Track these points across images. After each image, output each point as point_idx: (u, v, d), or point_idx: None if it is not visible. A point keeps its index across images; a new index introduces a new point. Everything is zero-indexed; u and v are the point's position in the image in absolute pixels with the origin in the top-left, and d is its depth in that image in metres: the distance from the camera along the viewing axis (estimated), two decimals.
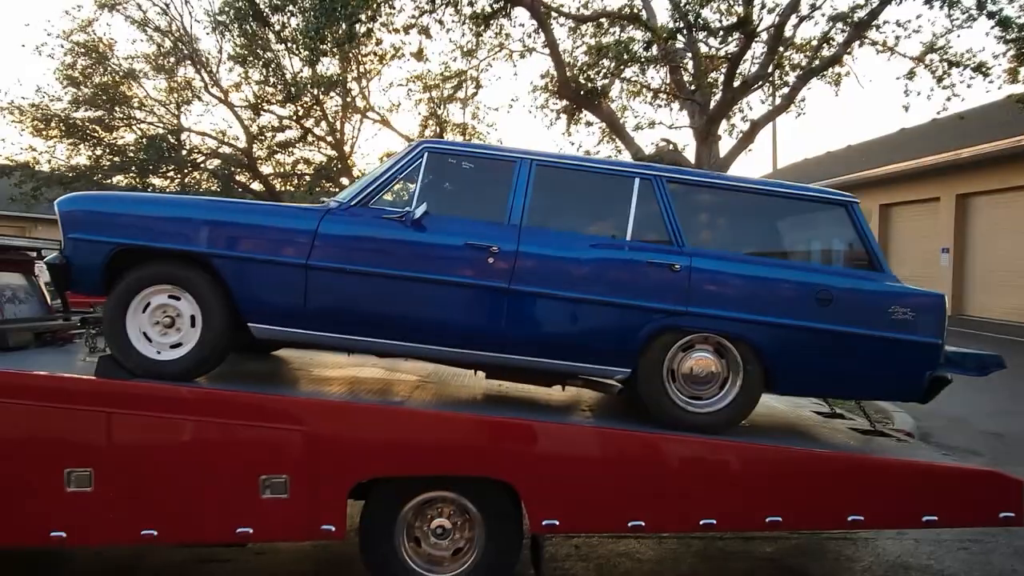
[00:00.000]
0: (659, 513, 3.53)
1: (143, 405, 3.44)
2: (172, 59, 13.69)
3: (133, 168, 13.82)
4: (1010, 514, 3.57)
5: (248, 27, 12.49)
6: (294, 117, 13.87)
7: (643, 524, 3.49)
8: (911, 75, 10.79)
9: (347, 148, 15.27)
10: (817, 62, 9.52)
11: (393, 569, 3.52)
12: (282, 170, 14.70)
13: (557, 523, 3.46)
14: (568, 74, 9.01)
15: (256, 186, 14.71)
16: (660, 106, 11.13)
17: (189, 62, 13.63)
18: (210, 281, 3.70)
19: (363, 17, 7.94)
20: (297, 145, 14.53)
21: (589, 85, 8.88)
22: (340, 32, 8.04)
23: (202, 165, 14.50)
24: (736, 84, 8.71)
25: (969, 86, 11.59)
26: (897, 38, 10.81)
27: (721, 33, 8.21)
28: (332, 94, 12.74)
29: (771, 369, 3.81)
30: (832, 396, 4.25)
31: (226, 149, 14.81)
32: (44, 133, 13.77)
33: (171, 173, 14.08)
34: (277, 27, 12.12)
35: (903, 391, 3.95)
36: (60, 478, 3.35)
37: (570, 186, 4.01)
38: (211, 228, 3.72)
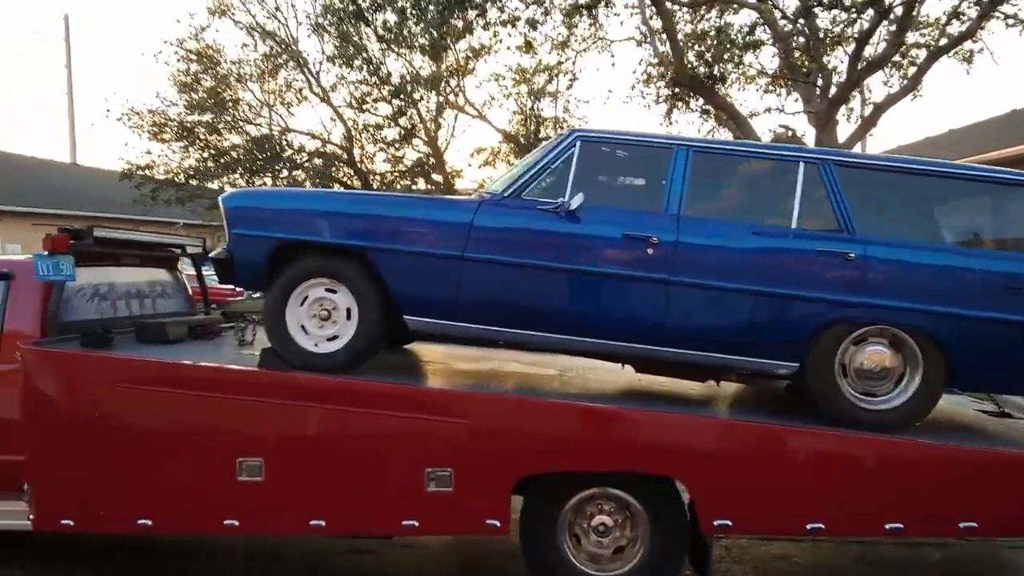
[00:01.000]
0: (841, 516, 3.33)
1: (318, 397, 3.49)
2: (279, 60, 14.10)
3: (240, 168, 14.35)
4: None
5: (347, 27, 12.74)
6: (392, 115, 14.09)
7: (822, 527, 3.30)
8: None
9: (441, 144, 15.41)
10: (945, 40, 8.91)
11: (554, 565, 3.46)
12: (391, 166, 14.96)
13: (730, 523, 3.32)
14: (684, 60, 8.70)
15: (356, 183, 15.03)
16: (772, 91, 10.70)
17: (293, 63, 14.02)
18: (366, 274, 3.72)
19: (488, 6, 7.91)
20: (397, 143, 14.75)
21: (710, 71, 8.57)
22: (464, 22, 8.01)
23: (305, 164, 14.91)
24: (861, 66, 8.24)
25: None
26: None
27: (854, 10, 7.77)
28: (431, 91, 12.86)
29: (953, 363, 3.54)
30: (1017, 393, 3.92)
31: (329, 147, 15.18)
32: (159, 137, 14.48)
33: (279, 172, 14.54)
34: (376, 25, 12.32)
35: None
36: (232, 468, 3.44)
37: (730, 173, 3.84)
38: (367, 222, 3.74)
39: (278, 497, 3.44)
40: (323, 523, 3.43)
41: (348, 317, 3.76)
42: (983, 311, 3.51)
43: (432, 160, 15.25)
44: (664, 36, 8.78)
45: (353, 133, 14.65)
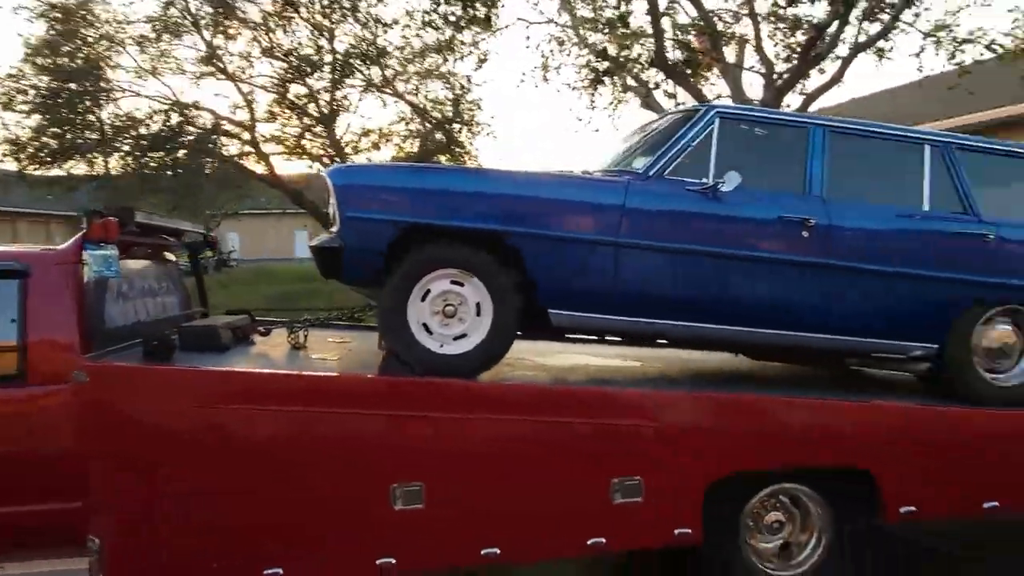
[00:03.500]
0: (1013, 492, 3.39)
1: (487, 407, 3.02)
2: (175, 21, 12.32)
3: (127, 147, 12.49)
4: None
5: None
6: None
7: (997, 504, 3.35)
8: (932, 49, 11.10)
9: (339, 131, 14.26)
10: (864, 37, 9.61)
11: (736, 569, 3.25)
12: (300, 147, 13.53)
13: (915, 510, 3.27)
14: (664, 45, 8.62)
15: (261, 168, 13.65)
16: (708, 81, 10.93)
17: (194, 26, 12.33)
18: (502, 264, 3.28)
19: None
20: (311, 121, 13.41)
21: (691, 57, 8.61)
22: None
23: (211, 146, 13.28)
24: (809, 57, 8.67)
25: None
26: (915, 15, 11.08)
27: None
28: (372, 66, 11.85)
29: None
30: None
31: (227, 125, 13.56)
32: (11, 106, 12.29)
33: (171, 153, 12.80)
34: None
35: None
36: (386, 495, 2.89)
37: (863, 154, 3.77)
38: (510, 203, 3.28)
39: (443, 526, 2.94)
40: (497, 551, 2.97)
41: (478, 313, 3.29)
42: None
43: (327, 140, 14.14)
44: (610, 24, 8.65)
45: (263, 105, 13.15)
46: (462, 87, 13.13)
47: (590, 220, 3.34)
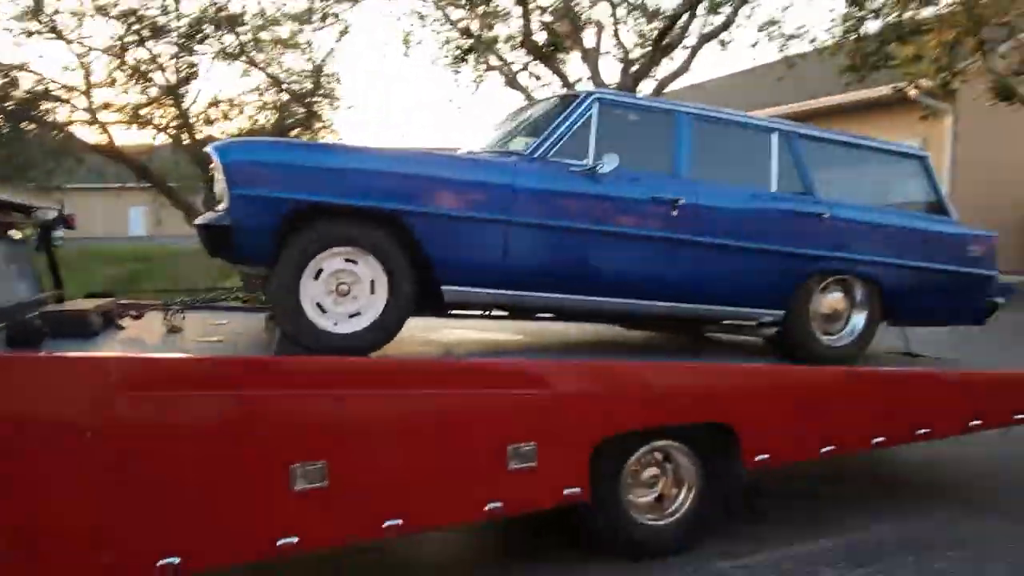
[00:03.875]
0: (844, 437, 3.92)
1: (387, 382, 3.07)
2: None
3: None
4: None
5: None
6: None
7: (832, 448, 3.86)
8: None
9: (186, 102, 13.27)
10: (710, 27, 10.36)
11: (619, 521, 3.53)
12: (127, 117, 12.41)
13: (768, 457, 3.70)
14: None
15: (97, 138, 12.41)
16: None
17: None
18: (397, 241, 3.33)
19: None
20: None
21: (555, 40, 8.79)
22: None
23: (35, 112, 11.85)
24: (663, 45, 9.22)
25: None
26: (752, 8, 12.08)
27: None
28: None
29: (889, 304, 4.33)
30: (925, 324, 4.86)
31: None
32: None
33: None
34: None
35: (973, 315, 4.68)
36: (286, 477, 2.89)
37: (723, 139, 4.14)
38: (405, 182, 3.33)
39: (346, 502, 2.98)
40: (400, 522, 3.05)
41: (372, 291, 3.34)
42: (911, 260, 4.32)
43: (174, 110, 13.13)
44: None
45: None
46: (323, 60, 12.70)
47: (483, 199, 3.46)
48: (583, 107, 3.77)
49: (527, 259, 3.55)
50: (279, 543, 2.86)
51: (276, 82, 12.63)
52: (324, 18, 12.00)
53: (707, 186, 3.92)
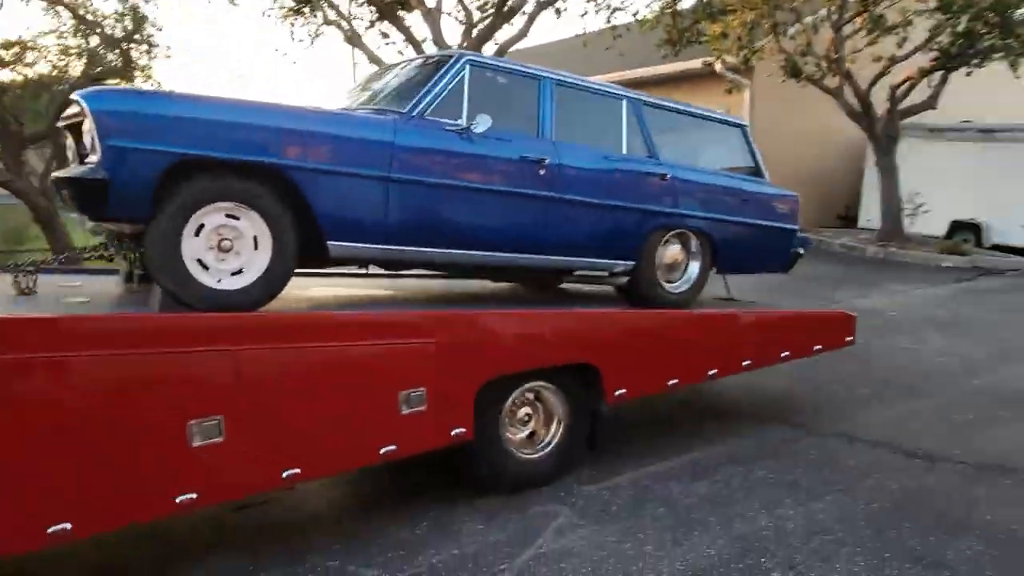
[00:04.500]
0: (686, 371, 4.47)
1: (281, 337, 3.09)
2: None
3: None
4: (850, 338, 5.38)
5: None
6: None
7: (677, 381, 4.40)
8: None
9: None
10: None
11: (499, 457, 3.83)
12: None
13: (625, 392, 4.15)
14: None
15: None
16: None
17: None
18: (281, 197, 3.34)
19: None
20: None
21: None
22: None
23: None
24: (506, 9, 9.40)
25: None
26: None
27: None
28: None
29: (717, 255, 4.96)
30: (744, 272, 5.55)
31: None
32: None
33: None
34: None
35: (781, 264, 5.47)
36: (184, 435, 2.87)
37: (581, 104, 4.47)
38: (290, 137, 3.33)
39: (244, 456, 3.01)
40: (299, 471, 3.14)
41: (256, 247, 3.33)
42: (735, 216, 4.97)
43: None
44: None
45: None
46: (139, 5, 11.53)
47: (367, 155, 3.53)
48: (455, 69, 3.93)
49: (408, 215, 3.68)
50: (178, 500, 2.86)
51: (83, 21, 11.31)
52: None
53: (568, 147, 4.25)
